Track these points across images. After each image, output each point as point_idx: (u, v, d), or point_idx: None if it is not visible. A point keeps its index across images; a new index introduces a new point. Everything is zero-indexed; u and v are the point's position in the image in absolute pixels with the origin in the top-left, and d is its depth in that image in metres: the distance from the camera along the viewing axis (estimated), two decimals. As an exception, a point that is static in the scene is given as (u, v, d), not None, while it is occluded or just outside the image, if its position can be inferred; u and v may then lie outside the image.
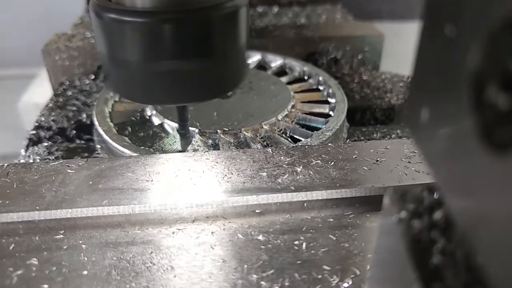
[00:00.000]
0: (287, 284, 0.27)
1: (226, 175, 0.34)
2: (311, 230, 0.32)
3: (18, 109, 0.98)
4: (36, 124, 0.49)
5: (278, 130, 0.46)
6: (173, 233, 0.32)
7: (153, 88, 0.36)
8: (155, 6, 0.33)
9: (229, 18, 0.34)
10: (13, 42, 1.18)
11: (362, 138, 0.49)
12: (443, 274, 0.15)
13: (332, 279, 0.28)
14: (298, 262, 0.29)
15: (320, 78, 0.55)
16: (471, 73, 0.12)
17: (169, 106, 0.46)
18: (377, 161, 0.36)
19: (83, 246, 0.30)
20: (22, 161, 0.45)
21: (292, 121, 0.48)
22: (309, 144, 0.41)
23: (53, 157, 0.44)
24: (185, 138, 0.42)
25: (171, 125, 0.45)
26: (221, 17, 0.34)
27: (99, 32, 0.34)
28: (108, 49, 0.35)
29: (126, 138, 0.43)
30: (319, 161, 0.36)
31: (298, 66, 0.59)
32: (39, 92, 0.97)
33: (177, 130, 0.44)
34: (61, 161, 0.36)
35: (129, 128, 0.46)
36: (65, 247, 0.30)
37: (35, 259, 0.29)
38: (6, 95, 1.07)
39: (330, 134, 0.43)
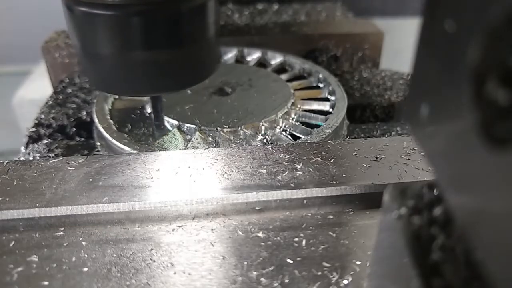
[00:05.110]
0: (286, 281, 0.27)
1: (226, 172, 0.34)
2: (311, 227, 0.32)
3: (13, 105, 0.98)
4: (36, 121, 0.49)
5: (278, 127, 0.46)
6: (173, 230, 0.32)
7: (126, 80, 0.37)
8: None
9: (197, 10, 0.36)
10: (8, 39, 1.18)
11: (362, 135, 0.49)
12: (442, 270, 0.16)
13: (332, 276, 0.28)
14: (298, 259, 0.29)
15: (320, 76, 0.55)
16: (471, 68, 0.12)
17: (167, 103, 0.46)
18: (376, 158, 0.36)
19: (83, 243, 0.30)
20: (22, 158, 0.45)
21: (292, 119, 0.48)
22: (309, 141, 0.41)
23: (53, 155, 0.44)
24: (160, 129, 0.43)
25: (171, 122, 0.45)
26: (189, 10, 0.35)
27: (72, 26, 0.36)
28: (81, 43, 0.36)
29: (126, 135, 0.43)
30: (319, 159, 0.36)
31: (298, 64, 0.59)
32: (34, 89, 0.98)
33: (153, 122, 0.45)
34: (61, 159, 0.36)
35: (129, 125, 0.46)
36: (65, 244, 0.30)
37: (35, 256, 0.29)
38: (1, 91, 1.07)
39: (330, 131, 0.43)
